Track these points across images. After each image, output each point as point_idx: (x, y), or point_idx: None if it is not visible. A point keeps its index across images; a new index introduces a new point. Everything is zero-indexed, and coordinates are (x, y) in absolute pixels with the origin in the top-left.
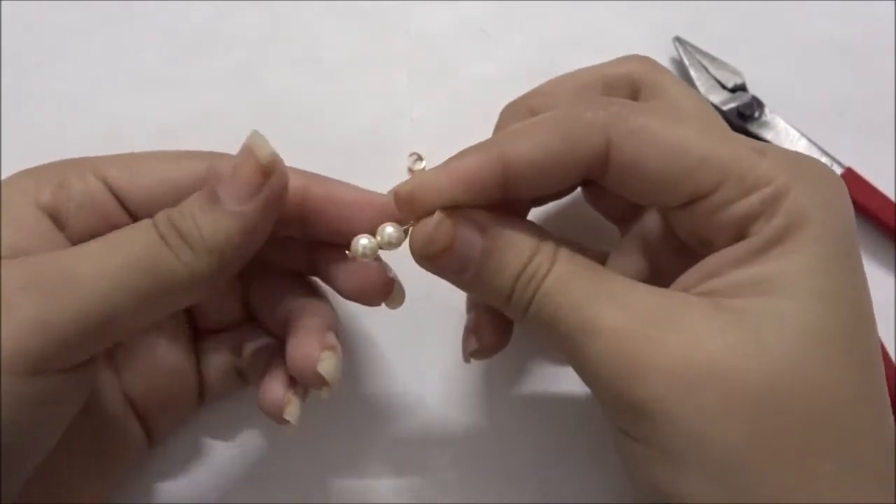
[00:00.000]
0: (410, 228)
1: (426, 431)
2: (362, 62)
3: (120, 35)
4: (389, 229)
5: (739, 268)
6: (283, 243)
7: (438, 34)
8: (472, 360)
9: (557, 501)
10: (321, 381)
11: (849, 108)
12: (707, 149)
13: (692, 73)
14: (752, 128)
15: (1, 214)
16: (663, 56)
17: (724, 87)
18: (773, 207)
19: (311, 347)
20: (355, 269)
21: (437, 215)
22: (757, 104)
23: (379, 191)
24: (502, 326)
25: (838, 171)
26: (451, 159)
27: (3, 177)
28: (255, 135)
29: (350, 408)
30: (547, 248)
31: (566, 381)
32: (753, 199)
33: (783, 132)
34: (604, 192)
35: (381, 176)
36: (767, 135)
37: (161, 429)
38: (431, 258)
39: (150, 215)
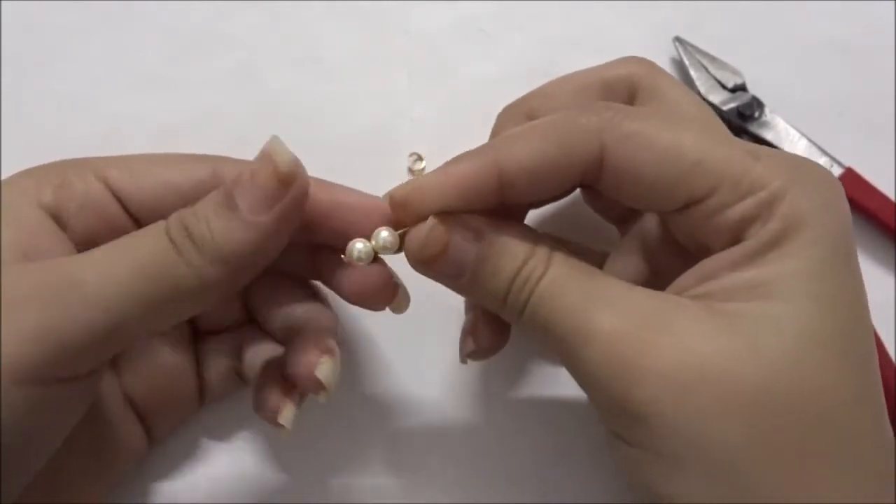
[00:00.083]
0: (406, 233)
1: (426, 431)
2: (362, 62)
3: (120, 35)
4: (384, 233)
5: (735, 271)
6: (286, 246)
7: (438, 34)
8: (469, 361)
9: (557, 501)
10: (318, 386)
11: (849, 108)
12: (702, 153)
13: (692, 73)
14: (752, 128)
15: (1, 215)
16: (663, 56)
17: (724, 87)
18: (769, 211)
19: (309, 352)
20: (357, 273)
21: (430, 221)
22: (757, 104)
23: (379, 191)
24: (499, 328)
25: (838, 171)
26: (445, 165)
27: (4, 176)
28: (275, 140)
29: (350, 408)
30: (541, 252)
31: (566, 381)
32: (749, 203)
33: (783, 132)
34: (602, 194)
35: (381, 176)
36: (767, 135)
37: (161, 429)
38: (426, 263)
39: (151, 218)
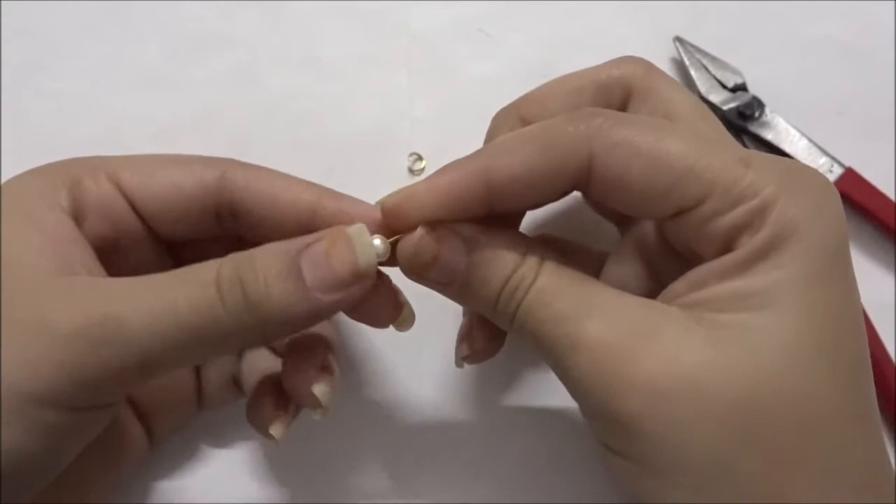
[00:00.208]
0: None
1: (425, 431)
2: (362, 62)
3: (120, 35)
4: (376, 241)
5: (725, 281)
6: None
7: (438, 34)
8: (466, 364)
9: (557, 501)
10: (315, 402)
11: (849, 108)
12: (692, 160)
13: (692, 73)
14: (752, 128)
15: (26, 221)
16: (663, 56)
17: (724, 86)
18: (760, 220)
19: (308, 368)
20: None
21: (419, 230)
22: (757, 104)
23: (379, 191)
24: (494, 333)
25: (838, 171)
26: (435, 173)
27: (4, 176)
28: (362, 231)
29: (349, 408)
30: (531, 260)
31: (562, 385)
32: (739, 212)
33: (783, 132)
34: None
35: (381, 176)
36: (767, 135)
37: (161, 429)
38: (416, 271)
39: (158, 218)
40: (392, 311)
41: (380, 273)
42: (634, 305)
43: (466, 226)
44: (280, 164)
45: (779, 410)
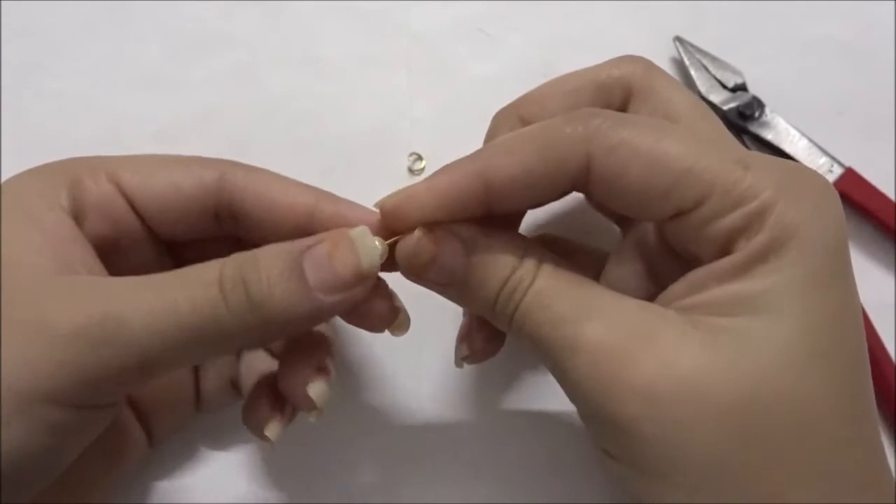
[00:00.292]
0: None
1: (424, 432)
2: (362, 62)
3: (120, 35)
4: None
5: (723, 284)
6: None
7: (438, 34)
8: (465, 364)
9: (556, 502)
10: (310, 405)
11: (849, 108)
12: (691, 162)
13: (692, 72)
14: (752, 128)
15: (27, 221)
16: (663, 56)
17: (724, 86)
18: (758, 223)
19: (303, 369)
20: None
21: (417, 232)
22: (757, 104)
23: (378, 191)
24: (494, 334)
25: (838, 171)
26: (434, 175)
27: (4, 176)
28: (365, 233)
29: (348, 408)
30: (529, 262)
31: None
32: (738, 215)
33: (783, 132)
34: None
35: (380, 176)
36: (767, 135)
37: (160, 430)
38: (415, 272)
39: (157, 219)
40: (388, 316)
41: (377, 277)
42: (632, 308)
43: (465, 226)
44: (280, 164)
45: (777, 411)
